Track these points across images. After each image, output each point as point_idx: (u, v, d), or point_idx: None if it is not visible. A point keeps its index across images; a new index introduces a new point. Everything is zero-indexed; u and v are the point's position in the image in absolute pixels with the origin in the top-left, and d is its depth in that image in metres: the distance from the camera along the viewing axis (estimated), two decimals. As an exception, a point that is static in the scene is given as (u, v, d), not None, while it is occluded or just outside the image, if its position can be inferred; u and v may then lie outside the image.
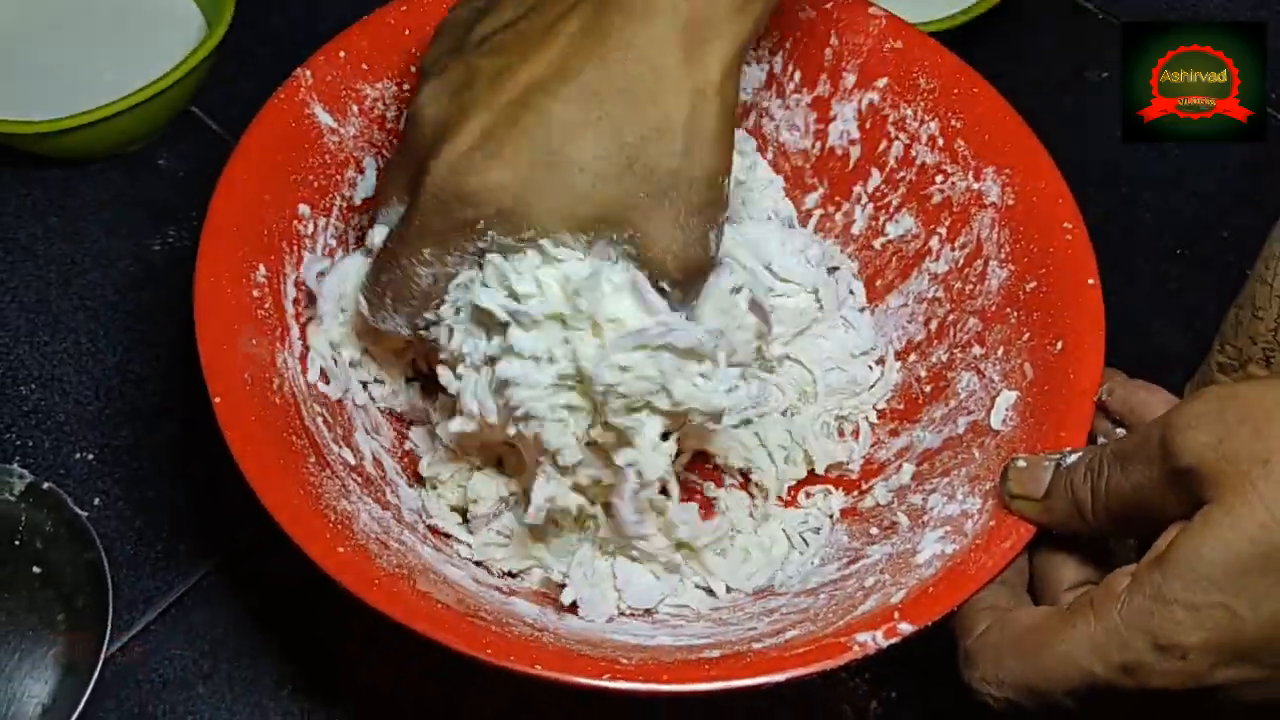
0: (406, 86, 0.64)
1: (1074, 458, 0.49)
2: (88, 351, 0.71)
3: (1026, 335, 0.58)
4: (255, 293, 0.56)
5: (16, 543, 0.63)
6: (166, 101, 0.75)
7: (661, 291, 0.51)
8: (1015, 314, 0.59)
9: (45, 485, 0.63)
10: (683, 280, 0.52)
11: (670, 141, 0.49)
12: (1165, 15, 0.93)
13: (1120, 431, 0.53)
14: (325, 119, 0.62)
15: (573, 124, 0.49)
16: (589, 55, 0.49)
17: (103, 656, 0.59)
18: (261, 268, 0.57)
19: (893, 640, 0.47)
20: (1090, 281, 0.57)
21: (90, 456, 0.67)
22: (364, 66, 0.63)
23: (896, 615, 0.47)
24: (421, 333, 0.56)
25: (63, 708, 0.58)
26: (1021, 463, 0.51)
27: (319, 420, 0.57)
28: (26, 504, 0.63)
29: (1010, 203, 0.61)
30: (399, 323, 0.55)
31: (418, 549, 0.55)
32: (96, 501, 0.66)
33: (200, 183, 0.76)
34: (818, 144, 0.69)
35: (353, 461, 0.58)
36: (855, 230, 0.69)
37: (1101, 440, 0.54)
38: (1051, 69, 0.89)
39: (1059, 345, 0.56)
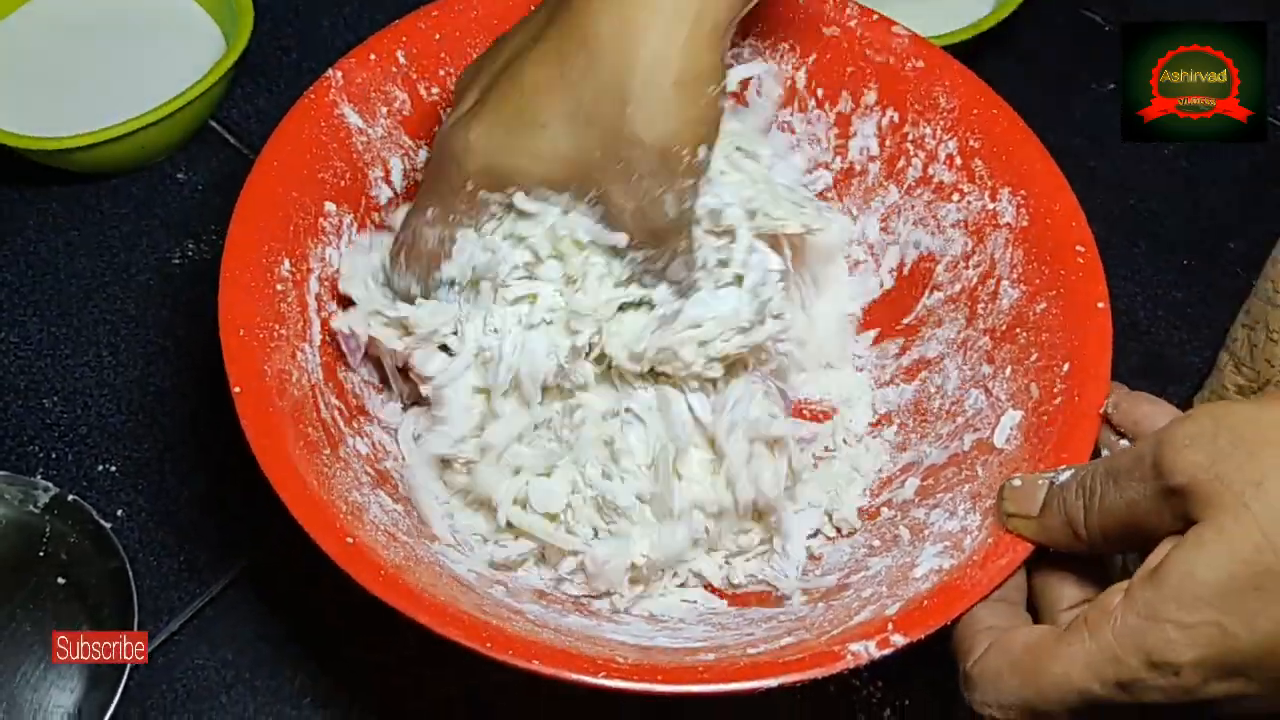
0: (435, 90, 0.68)
1: (1066, 475, 0.52)
2: (109, 365, 0.75)
3: (1034, 355, 0.61)
4: (279, 286, 0.60)
5: (42, 554, 0.67)
6: (187, 117, 0.79)
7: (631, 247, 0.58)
8: (1024, 334, 0.62)
9: (70, 497, 0.67)
10: (644, 240, 0.57)
11: (619, 104, 0.53)
12: (1165, 16, 0.95)
13: (1124, 444, 0.56)
14: (354, 120, 0.65)
15: (540, 83, 0.55)
16: (563, 19, 0.54)
17: (128, 667, 0.62)
18: (286, 262, 0.61)
19: (885, 651, 0.50)
20: (1100, 305, 0.60)
21: (113, 469, 0.71)
22: (394, 70, 0.67)
23: (890, 627, 0.51)
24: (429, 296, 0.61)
25: (88, 718, 0.62)
26: (1017, 482, 0.54)
27: (335, 413, 0.61)
28: (51, 515, 0.67)
29: (1025, 224, 0.64)
30: (410, 282, 0.61)
31: (426, 543, 0.58)
32: (120, 513, 0.70)
33: (219, 196, 0.82)
34: (838, 159, 0.72)
35: (365, 453, 0.61)
36: (870, 243, 0.72)
37: (1105, 453, 0.56)
38: (1058, 80, 0.92)
39: (1065, 367, 0.59)
